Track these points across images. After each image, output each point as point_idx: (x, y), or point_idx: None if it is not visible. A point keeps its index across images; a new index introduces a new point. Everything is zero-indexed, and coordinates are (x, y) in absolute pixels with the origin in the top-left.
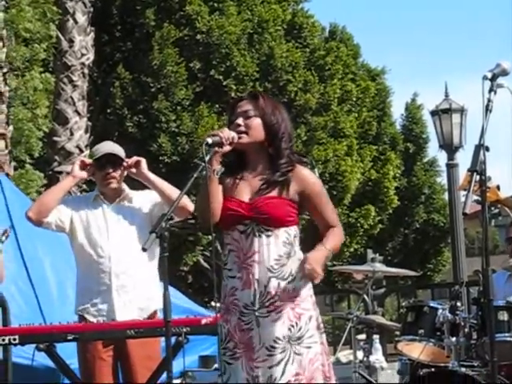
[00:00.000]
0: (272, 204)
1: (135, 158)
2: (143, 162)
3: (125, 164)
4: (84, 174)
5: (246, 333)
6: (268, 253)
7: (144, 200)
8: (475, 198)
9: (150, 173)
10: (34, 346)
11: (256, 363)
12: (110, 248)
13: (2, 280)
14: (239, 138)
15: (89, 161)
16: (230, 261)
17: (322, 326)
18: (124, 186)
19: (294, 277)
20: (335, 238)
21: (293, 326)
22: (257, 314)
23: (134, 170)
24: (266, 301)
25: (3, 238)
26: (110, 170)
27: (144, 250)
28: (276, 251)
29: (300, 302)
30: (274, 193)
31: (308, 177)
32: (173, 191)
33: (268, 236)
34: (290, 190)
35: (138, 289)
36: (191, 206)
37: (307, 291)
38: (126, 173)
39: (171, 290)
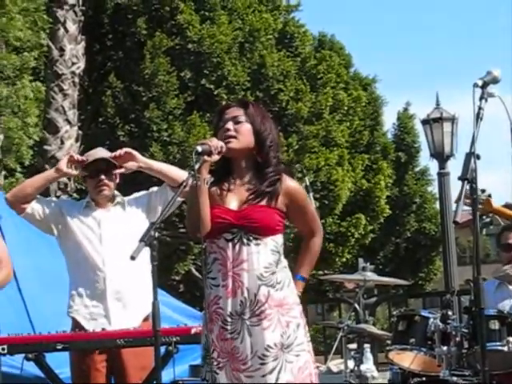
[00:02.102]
0: (262, 213)
1: (124, 150)
2: (134, 152)
3: (117, 154)
4: (70, 171)
5: (230, 342)
6: (258, 261)
7: (136, 203)
8: (467, 208)
9: (148, 160)
10: (22, 355)
11: (248, 373)
12: (104, 252)
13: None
14: (228, 142)
15: (79, 157)
16: (215, 269)
17: (308, 334)
18: (116, 193)
19: (282, 284)
20: (312, 259)
21: (282, 334)
22: (248, 322)
23: (134, 165)
24: (257, 309)
25: None
26: (102, 177)
27: (133, 258)
28: (265, 259)
29: (288, 309)
30: (263, 202)
31: (295, 189)
32: (175, 170)
33: (257, 244)
34: (278, 200)
35: (132, 293)
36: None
37: (294, 299)
38: (118, 180)
39: (166, 301)
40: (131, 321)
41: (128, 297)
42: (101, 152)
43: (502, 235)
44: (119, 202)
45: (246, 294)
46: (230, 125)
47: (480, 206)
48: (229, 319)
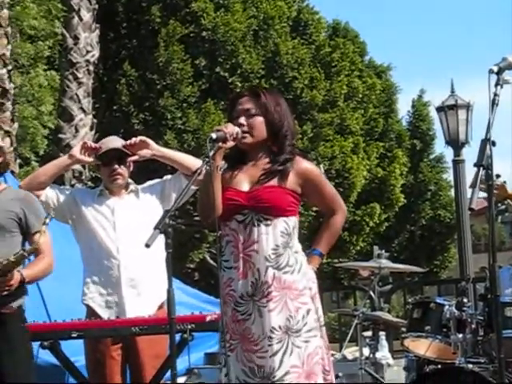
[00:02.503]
0: (272, 193)
1: (138, 138)
2: (148, 140)
3: (131, 142)
4: (83, 157)
5: (242, 323)
6: (266, 242)
7: (150, 191)
8: (482, 195)
9: (162, 148)
10: (38, 343)
11: (260, 353)
12: (118, 240)
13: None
14: (243, 137)
15: (92, 144)
16: (228, 251)
17: (322, 319)
18: (130, 181)
19: (293, 268)
20: (331, 237)
21: (291, 317)
22: (258, 304)
23: (148, 153)
24: (265, 290)
25: (47, 220)
26: (116, 166)
27: (147, 246)
28: (273, 241)
29: (297, 295)
30: (274, 182)
31: (309, 169)
32: (190, 158)
33: (267, 225)
34: (289, 180)
35: (147, 281)
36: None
37: (305, 284)
38: (131, 168)
39: (182, 287)
40: (146, 308)
41: (142, 284)
42: (114, 141)
43: None
44: (133, 189)
45: (256, 276)
46: (242, 119)
47: (495, 192)
48: (240, 300)
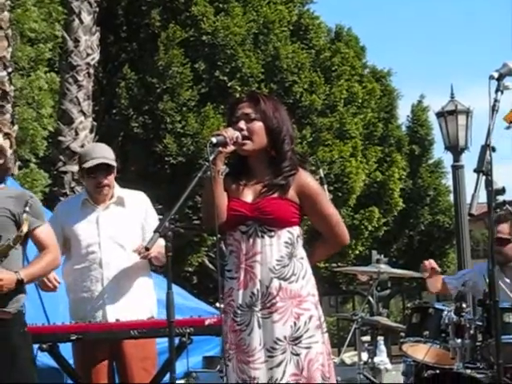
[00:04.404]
0: (276, 205)
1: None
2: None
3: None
4: None
5: (238, 333)
6: (271, 253)
7: (136, 201)
8: (481, 201)
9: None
10: (36, 345)
11: (255, 364)
12: (100, 253)
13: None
14: (243, 144)
15: None
16: (231, 262)
17: (324, 325)
18: (116, 187)
19: (297, 276)
20: (316, 260)
21: (291, 327)
22: (259, 315)
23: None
24: (268, 301)
25: (27, 208)
26: (103, 179)
27: (147, 249)
28: (278, 251)
29: (300, 301)
30: (276, 194)
31: (306, 183)
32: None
33: (271, 237)
34: (290, 191)
35: (130, 294)
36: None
37: (309, 290)
38: (115, 174)
39: (178, 290)
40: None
41: (125, 299)
42: (100, 148)
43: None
44: (118, 198)
45: (258, 286)
46: (242, 124)
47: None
48: (238, 311)
